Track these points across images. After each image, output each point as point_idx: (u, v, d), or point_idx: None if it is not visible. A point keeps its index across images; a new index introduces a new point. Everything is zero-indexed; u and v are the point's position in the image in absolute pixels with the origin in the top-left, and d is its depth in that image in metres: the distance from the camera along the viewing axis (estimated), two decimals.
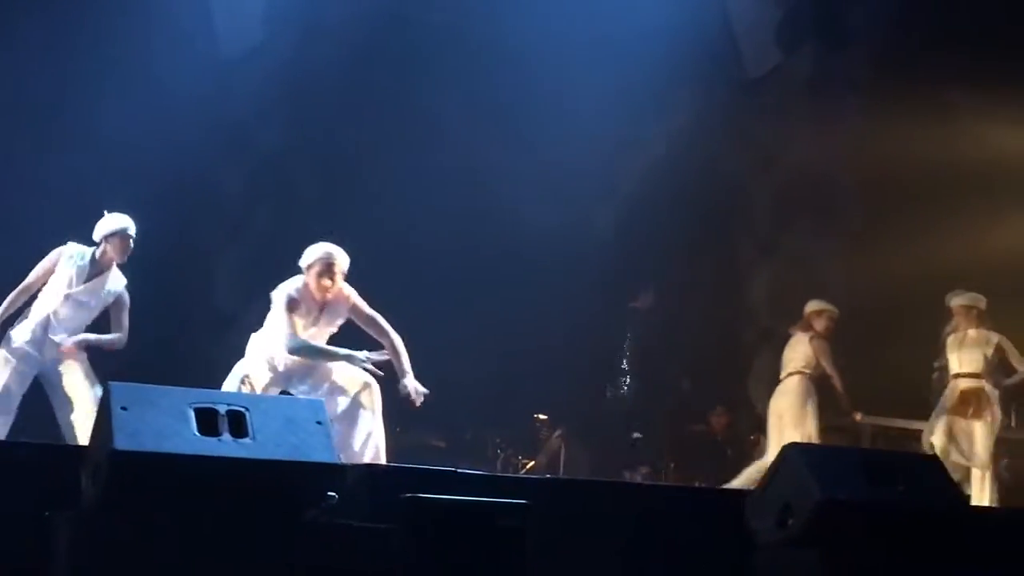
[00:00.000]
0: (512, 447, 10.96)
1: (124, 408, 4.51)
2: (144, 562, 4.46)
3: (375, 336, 7.17)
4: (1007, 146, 11.07)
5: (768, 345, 11.11)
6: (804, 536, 5.31)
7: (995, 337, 9.54)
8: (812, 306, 9.89)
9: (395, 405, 10.68)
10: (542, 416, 11.23)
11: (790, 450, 5.75)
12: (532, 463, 10.89)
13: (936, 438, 9.41)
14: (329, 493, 4.73)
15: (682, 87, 11.55)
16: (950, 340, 9.65)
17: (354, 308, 7.20)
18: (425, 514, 4.81)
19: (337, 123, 11.12)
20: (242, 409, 4.72)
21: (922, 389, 10.27)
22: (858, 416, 10.21)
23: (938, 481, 5.81)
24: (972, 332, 9.57)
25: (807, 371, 9.76)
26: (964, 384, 9.50)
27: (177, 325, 10.29)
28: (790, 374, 9.84)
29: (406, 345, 7.16)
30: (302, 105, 10.93)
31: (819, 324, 9.83)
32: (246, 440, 4.64)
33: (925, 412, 9.88)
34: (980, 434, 9.42)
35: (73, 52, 10.09)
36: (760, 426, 10.48)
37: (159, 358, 9.12)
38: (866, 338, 10.77)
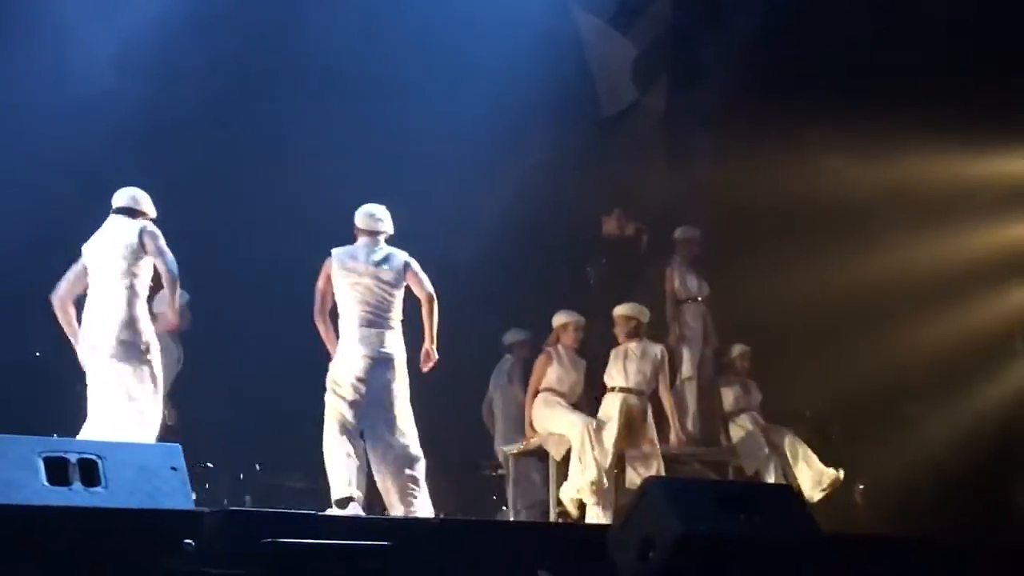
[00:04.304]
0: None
1: None
2: None
3: None
4: (856, 181, 11.34)
5: None
6: (665, 569, 5.39)
7: (657, 348, 9.44)
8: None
9: (253, 447, 10.58)
10: None
11: (649, 484, 5.84)
12: None
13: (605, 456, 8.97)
14: (186, 540, 4.65)
15: (537, 125, 11.64)
16: (612, 353, 9.52)
17: None
18: (285, 559, 4.75)
19: (194, 166, 10.96)
20: (94, 457, 4.62)
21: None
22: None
23: (792, 510, 5.96)
24: (633, 345, 9.44)
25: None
26: (632, 400, 9.26)
27: (30, 376, 10.00)
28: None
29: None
30: (157, 149, 10.75)
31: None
32: (98, 489, 4.54)
33: None
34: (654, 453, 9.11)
35: None
36: None
37: (12, 410, 8.82)
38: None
